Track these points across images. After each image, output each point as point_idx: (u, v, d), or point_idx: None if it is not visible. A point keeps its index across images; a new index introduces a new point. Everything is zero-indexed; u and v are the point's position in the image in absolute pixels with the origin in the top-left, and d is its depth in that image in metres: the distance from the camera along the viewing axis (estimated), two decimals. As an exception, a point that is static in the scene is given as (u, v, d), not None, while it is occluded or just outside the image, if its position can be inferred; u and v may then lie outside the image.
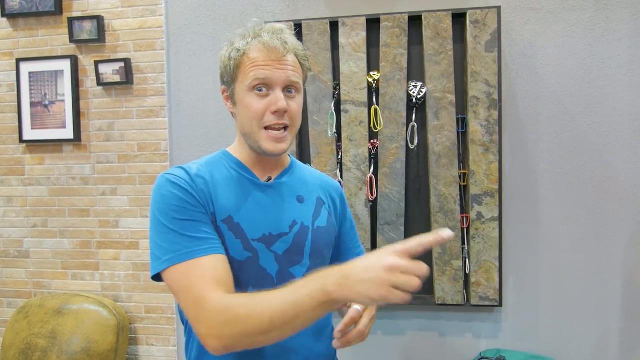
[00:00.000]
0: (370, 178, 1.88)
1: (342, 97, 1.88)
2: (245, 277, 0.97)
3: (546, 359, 1.79)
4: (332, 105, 1.89)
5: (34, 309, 2.08)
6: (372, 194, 1.88)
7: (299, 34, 1.86)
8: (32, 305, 2.10)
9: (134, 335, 2.19)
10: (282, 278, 0.98)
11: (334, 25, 1.88)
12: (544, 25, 1.84)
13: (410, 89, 1.85)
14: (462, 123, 1.85)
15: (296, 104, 0.99)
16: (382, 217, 1.88)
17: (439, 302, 1.86)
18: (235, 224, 0.96)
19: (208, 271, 0.86)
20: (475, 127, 1.80)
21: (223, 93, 1.04)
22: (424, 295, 1.94)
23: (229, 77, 1.00)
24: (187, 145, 2.12)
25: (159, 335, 2.17)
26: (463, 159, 1.87)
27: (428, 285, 1.93)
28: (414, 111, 1.87)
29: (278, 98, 0.94)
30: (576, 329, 1.87)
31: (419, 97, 1.83)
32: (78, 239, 2.22)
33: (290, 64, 0.97)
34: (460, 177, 1.85)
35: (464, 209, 1.87)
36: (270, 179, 1.04)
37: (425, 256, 1.91)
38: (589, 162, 1.84)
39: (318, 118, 1.90)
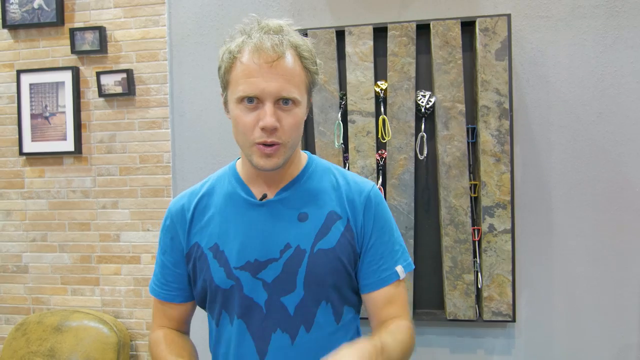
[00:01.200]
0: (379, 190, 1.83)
1: (349, 107, 1.84)
2: (232, 305, 0.94)
3: (563, 376, 1.73)
4: (339, 115, 1.85)
5: (32, 326, 2.02)
6: (380, 206, 1.82)
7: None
8: (30, 322, 2.04)
9: (135, 353, 2.12)
10: (272, 308, 0.93)
11: (340, 34, 1.85)
12: (555, 33, 1.80)
13: (419, 98, 1.81)
14: (473, 133, 1.81)
15: (291, 119, 0.88)
16: (390, 229, 1.83)
17: (450, 318, 1.81)
18: (220, 252, 0.95)
19: (156, 311, 1.07)
20: (486, 137, 1.76)
21: (221, 96, 0.96)
22: (435, 311, 1.88)
23: (222, 83, 0.92)
24: (190, 157, 2.07)
25: (161, 353, 2.11)
26: (474, 169, 1.83)
27: (439, 300, 1.87)
28: (423, 121, 1.82)
29: (266, 113, 0.85)
30: (592, 345, 1.81)
31: (427, 106, 1.79)
32: (78, 254, 2.16)
33: (284, 71, 0.85)
34: (471, 188, 1.80)
35: (475, 221, 1.82)
36: (265, 196, 0.96)
37: (436, 270, 1.88)
38: (603, 172, 1.80)
39: (324, 129, 1.86)
